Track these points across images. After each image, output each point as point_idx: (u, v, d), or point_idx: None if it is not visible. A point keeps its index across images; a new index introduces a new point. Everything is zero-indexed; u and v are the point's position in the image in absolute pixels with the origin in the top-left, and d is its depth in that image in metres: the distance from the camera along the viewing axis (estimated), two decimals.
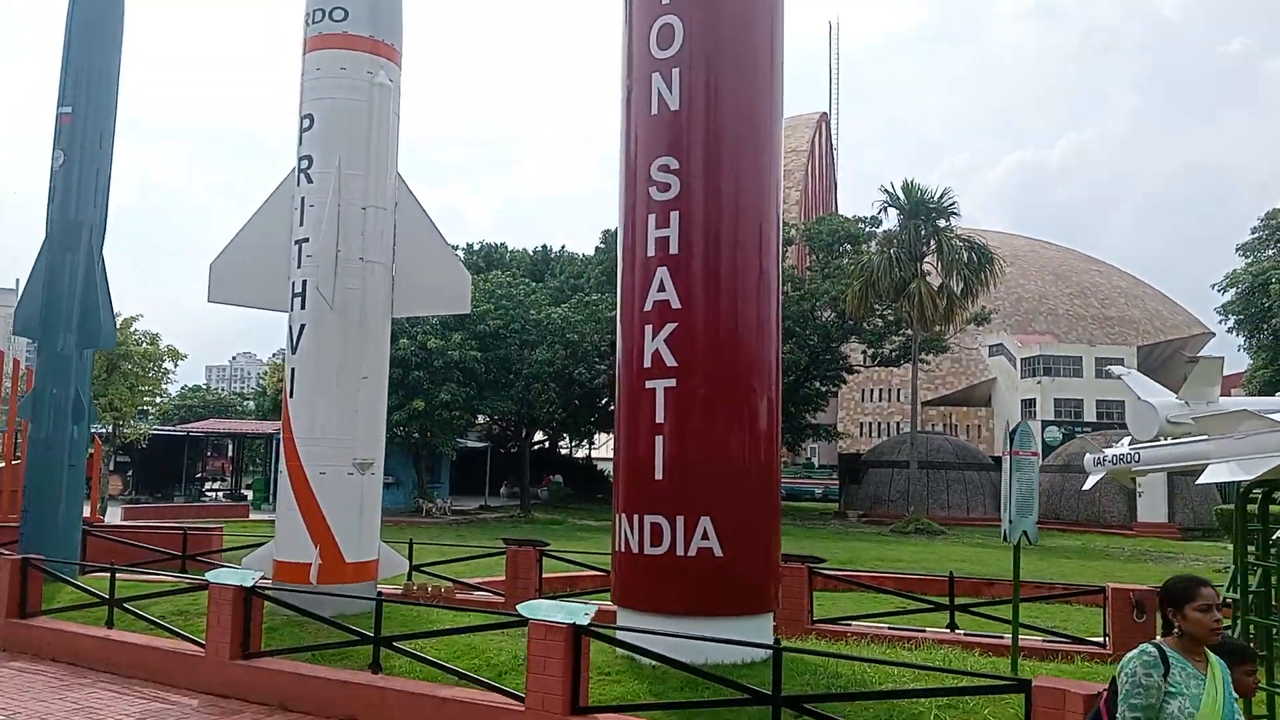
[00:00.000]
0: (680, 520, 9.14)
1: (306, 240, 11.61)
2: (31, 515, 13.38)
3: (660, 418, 9.34)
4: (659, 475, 9.30)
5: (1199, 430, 8.33)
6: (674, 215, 9.47)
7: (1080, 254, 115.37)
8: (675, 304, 9.38)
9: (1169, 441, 8.89)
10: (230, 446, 48.32)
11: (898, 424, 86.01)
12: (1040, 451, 58.75)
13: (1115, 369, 12.87)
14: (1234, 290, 46.63)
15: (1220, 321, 49.40)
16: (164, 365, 30.10)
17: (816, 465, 67.18)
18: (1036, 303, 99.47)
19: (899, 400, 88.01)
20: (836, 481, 55.50)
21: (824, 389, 46.69)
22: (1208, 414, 8.33)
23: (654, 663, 8.74)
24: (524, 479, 38.05)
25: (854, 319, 39.56)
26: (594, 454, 59.36)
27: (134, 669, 9.79)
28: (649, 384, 9.46)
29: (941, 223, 37.23)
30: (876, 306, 38.52)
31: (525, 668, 8.66)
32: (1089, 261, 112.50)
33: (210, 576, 9.61)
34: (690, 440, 9.27)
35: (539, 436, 42.44)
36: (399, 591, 13.80)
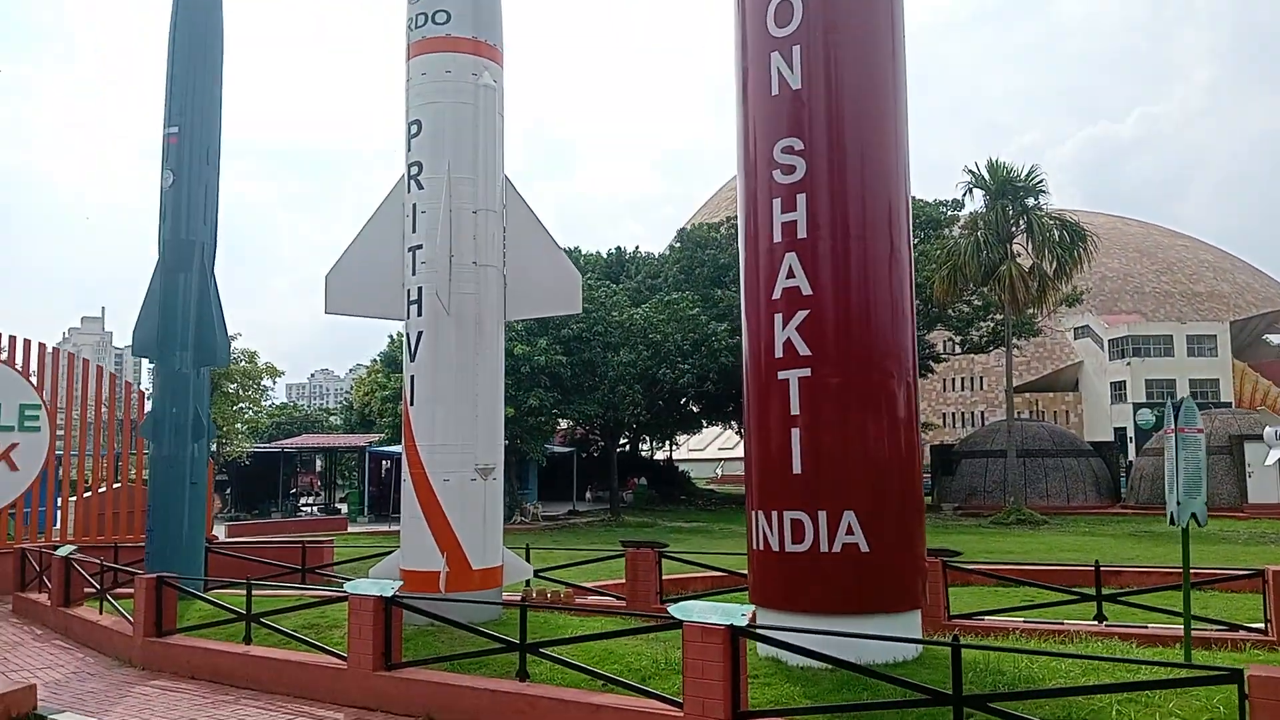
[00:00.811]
0: (823, 515, 8.82)
1: (420, 247, 11.55)
2: (157, 534, 13.57)
3: (795, 409, 9.03)
4: (797, 469, 8.98)
5: None
6: (800, 198, 9.16)
7: (1164, 229, 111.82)
8: (806, 290, 9.07)
9: None
10: (320, 461, 49.17)
11: (981, 413, 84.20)
12: (1150, 433, 56.79)
13: (1275, 337, 12.12)
14: None
15: None
16: (263, 383, 30.64)
17: None
18: (1121, 281, 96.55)
19: (982, 389, 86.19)
20: (927, 475, 54.51)
21: None
22: None
23: (802, 664, 8.46)
24: (613, 482, 37.96)
25: (940, 306, 38.66)
26: (675, 456, 59.12)
27: (275, 684, 9.77)
28: (781, 374, 9.15)
29: (1030, 201, 36.18)
30: (964, 292, 37.60)
31: (671, 672, 8.55)
32: (1173, 236, 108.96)
33: (349, 588, 9.54)
34: (828, 431, 8.94)
35: (621, 440, 42.30)
36: (517, 598, 13.67)
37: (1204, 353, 78.65)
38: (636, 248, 44.68)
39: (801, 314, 9.06)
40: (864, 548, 8.74)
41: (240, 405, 30.27)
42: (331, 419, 65.88)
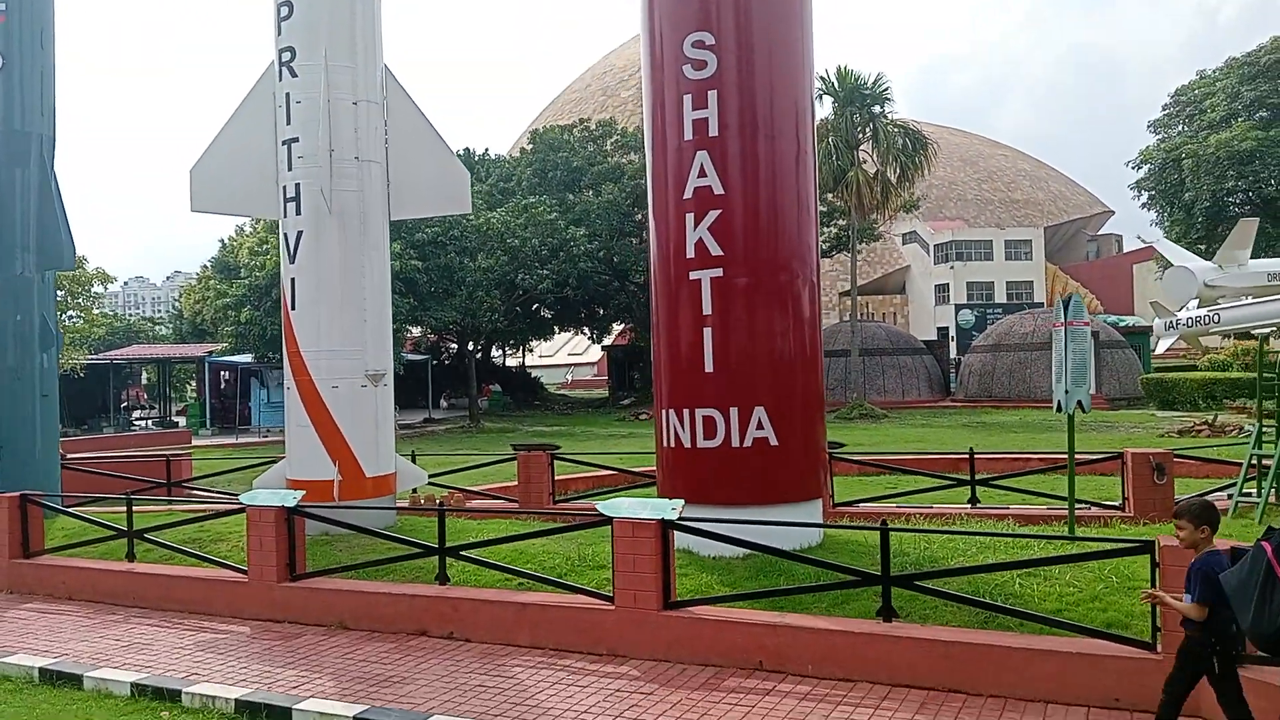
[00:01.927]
0: (734, 412, 8.99)
1: (296, 140, 10.86)
2: (6, 450, 12.55)
3: (708, 309, 9.10)
4: (709, 368, 9.09)
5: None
6: (712, 95, 9.06)
7: (986, 139, 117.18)
8: (718, 189, 9.05)
9: (1253, 301, 9.05)
10: (148, 373, 46.51)
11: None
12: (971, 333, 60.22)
13: (1147, 237, 12.97)
14: (1147, 167, 47.83)
15: (1134, 197, 50.75)
16: (93, 289, 28.39)
17: None
18: (946, 189, 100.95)
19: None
20: None
21: None
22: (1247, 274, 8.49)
23: (714, 553, 8.72)
24: (472, 389, 37.57)
25: None
26: (529, 362, 58.97)
27: (166, 601, 9.33)
28: (693, 275, 9.17)
29: (876, 109, 37.10)
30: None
31: (587, 568, 8.65)
32: (994, 146, 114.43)
33: (245, 499, 9.14)
34: (740, 330, 9.06)
35: (470, 347, 41.78)
36: (404, 504, 13.46)
37: (1020, 257, 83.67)
38: (486, 150, 43.46)
39: (713, 214, 9.05)
40: (773, 441, 8.99)
41: (69, 314, 28.02)
42: (158, 329, 62.20)
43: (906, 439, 28.02)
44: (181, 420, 39.26)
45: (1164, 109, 49.76)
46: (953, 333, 73.90)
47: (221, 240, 45.21)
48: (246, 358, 33.79)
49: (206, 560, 9.54)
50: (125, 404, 38.72)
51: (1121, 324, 49.82)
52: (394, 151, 11.41)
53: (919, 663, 6.55)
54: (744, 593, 7.57)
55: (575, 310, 45.53)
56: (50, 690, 7.26)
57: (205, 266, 49.47)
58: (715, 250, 9.04)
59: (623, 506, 7.64)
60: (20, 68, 12.50)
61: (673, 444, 9.36)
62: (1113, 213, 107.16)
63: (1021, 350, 40.16)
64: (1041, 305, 74.41)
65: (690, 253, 9.16)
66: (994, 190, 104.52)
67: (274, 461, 16.42)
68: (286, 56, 10.90)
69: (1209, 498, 11.82)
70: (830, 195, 38.38)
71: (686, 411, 9.20)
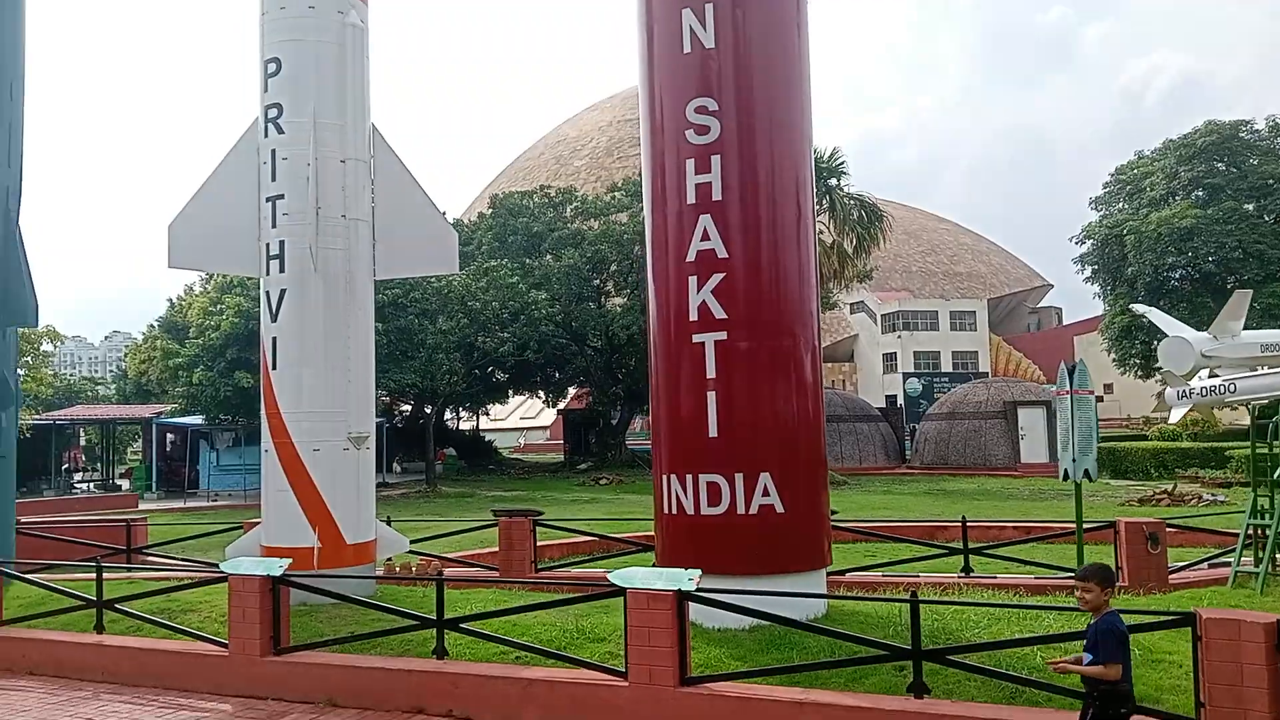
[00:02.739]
0: (739, 478, 8.80)
1: (281, 197, 10.60)
2: None
3: (711, 372, 8.95)
4: (713, 433, 8.91)
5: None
6: (715, 159, 9.03)
7: (928, 213, 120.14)
8: (721, 253, 8.97)
9: (1270, 370, 9.12)
10: (85, 435, 45.03)
11: None
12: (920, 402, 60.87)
13: (1138, 307, 13.16)
14: (1090, 242, 49.20)
15: (1078, 271, 52.13)
16: (42, 348, 27.41)
17: None
18: (892, 260, 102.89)
19: None
20: None
21: None
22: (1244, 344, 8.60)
23: (719, 625, 8.45)
24: (429, 453, 36.87)
25: None
26: (482, 425, 58.23)
27: (140, 676, 8.78)
28: (696, 338, 9.03)
29: (832, 181, 37.76)
30: None
31: (587, 641, 8.31)
32: (936, 220, 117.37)
33: (228, 568, 8.69)
34: (744, 394, 8.92)
35: (428, 410, 41.16)
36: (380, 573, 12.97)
37: (965, 327, 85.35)
38: (444, 213, 43.31)
39: (717, 277, 8.96)
40: (779, 509, 8.79)
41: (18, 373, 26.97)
42: (98, 389, 60.47)
43: (873, 506, 27.95)
44: (125, 483, 37.96)
45: (1105, 187, 51.39)
46: (901, 401, 74.84)
47: (170, 300, 44.37)
48: (196, 419, 32.88)
49: (183, 633, 9.01)
50: (66, 466, 37.34)
51: None
52: (381, 210, 11.21)
53: None
54: (765, 668, 7.30)
55: (532, 373, 45.20)
56: None
57: (152, 326, 48.41)
58: (719, 313, 8.93)
59: (636, 576, 7.37)
60: None
61: (674, 510, 9.12)
62: (1051, 286, 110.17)
63: (976, 418, 40.61)
64: (986, 375, 75.85)
65: (693, 315, 9.03)
66: (937, 263, 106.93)
67: (236, 527, 15.87)
68: (273, 113, 10.69)
69: (1207, 565, 11.88)
70: None
71: (689, 477, 8.98)
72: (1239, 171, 43.78)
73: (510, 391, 49.50)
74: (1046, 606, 8.53)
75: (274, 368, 10.57)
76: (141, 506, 28.52)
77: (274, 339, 10.60)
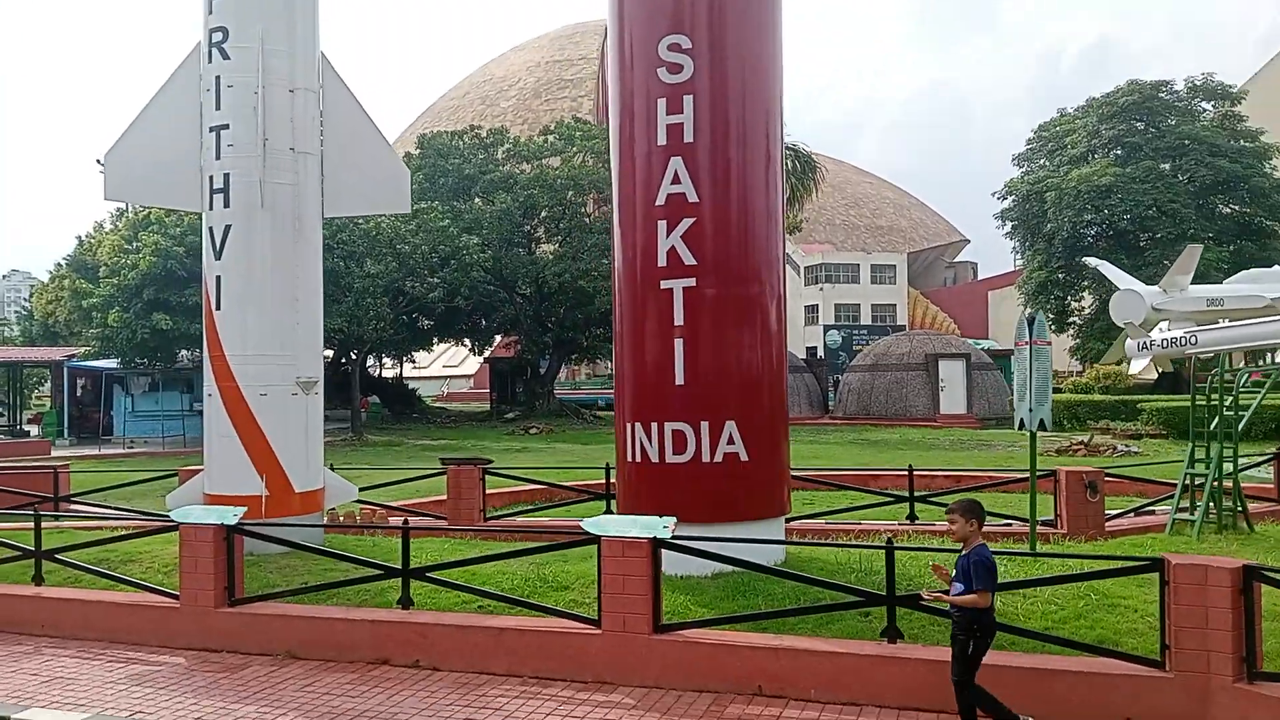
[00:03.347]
0: (705, 426, 8.74)
1: (226, 127, 10.08)
2: None
3: (680, 320, 8.82)
4: (680, 380, 8.82)
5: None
6: (688, 100, 8.82)
7: (853, 167, 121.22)
8: (692, 196, 8.81)
9: (1231, 323, 9.36)
10: (4, 378, 42.96)
11: None
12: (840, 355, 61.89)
13: (1090, 260, 13.39)
14: (1012, 198, 50.17)
15: (998, 227, 53.15)
16: None
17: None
18: (816, 213, 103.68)
19: None
20: None
21: None
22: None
23: (681, 572, 8.42)
24: (354, 401, 36.14)
25: None
26: (404, 373, 57.31)
27: (84, 629, 8.40)
28: (665, 284, 8.89)
29: None
30: None
31: (550, 590, 8.22)
32: (860, 174, 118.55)
33: (178, 516, 8.34)
34: (712, 342, 8.83)
35: (353, 356, 40.32)
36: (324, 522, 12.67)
37: (885, 280, 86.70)
38: None
39: (687, 222, 8.80)
40: (744, 457, 8.77)
41: None
42: (1, 330, 57.77)
43: (801, 455, 28.11)
44: (33, 429, 36.46)
45: (1028, 143, 52.33)
46: (821, 352, 75.99)
47: (78, 237, 42.47)
48: (110, 363, 31.60)
49: (128, 583, 8.65)
50: None
51: (980, 346, 52.00)
52: (330, 145, 10.74)
53: (929, 685, 6.41)
54: (736, 614, 7.30)
55: (459, 320, 44.55)
56: None
57: (59, 265, 46.32)
58: (689, 259, 8.78)
59: (610, 524, 7.28)
60: None
61: (639, 458, 9.02)
62: (968, 241, 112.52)
63: (898, 370, 41.38)
64: (904, 328, 77.41)
65: (662, 261, 8.87)
66: (860, 216, 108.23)
67: (164, 476, 15.33)
68: (218, 37, 10.11)
69: (1142, 512, 12.29)
70: None
71: (655, 425, 8.89)
72: (1157, 131, 44.95)
73: (435, 339, 48.76)
74: (1009, 552, 8.73)
75: (218, 308, 10.12)
76: (55, 453, 27.45)
77: (218, 277, 10.12)
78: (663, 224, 8.87)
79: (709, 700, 6.70)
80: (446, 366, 78.21)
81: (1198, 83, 45.99)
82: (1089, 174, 43.95)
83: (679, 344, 8.81)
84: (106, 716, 6.42)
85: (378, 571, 8.11)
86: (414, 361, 56.75)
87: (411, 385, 54.89)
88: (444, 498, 14.14)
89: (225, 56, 10.07)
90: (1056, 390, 42.98)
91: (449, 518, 12.48)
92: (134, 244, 30.05)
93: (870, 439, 34.06)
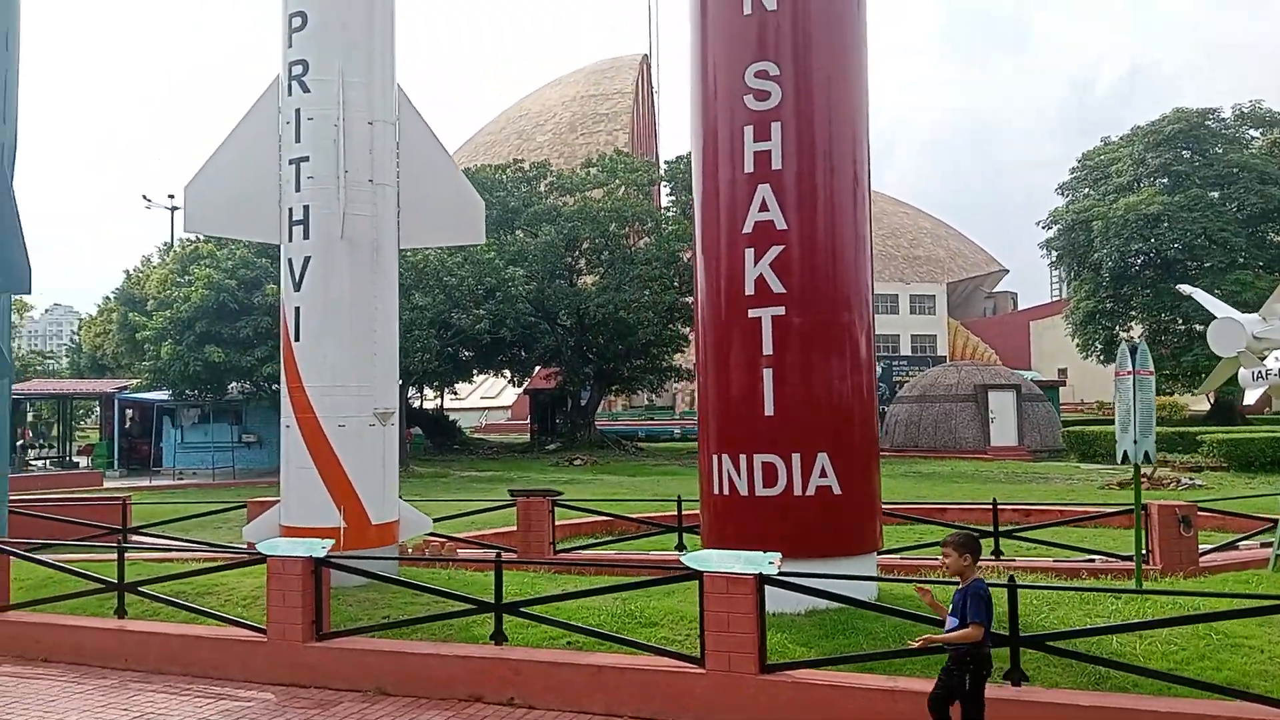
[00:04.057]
0: (796, 458, 8.54)
1: (306, 159, 10.08)
2: None
3: (768, 349, 8.65)
4: (769, 411, 8.63)
5: None
6: (775, 127, 8.71)
7: (889, 197, 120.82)
8: (780, 224, 8.66)
9: None
10: (44, 410, 43.62)
11: None
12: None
13: (1184, 288, 13.08)
14: (1057, 227, 49.68)
15: (1043, 256, 52.69)
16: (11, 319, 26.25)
17: (653, 406, 67.70)
18: None
19: None
20: (690, 422, 56.29)
21: (685, 330, 46.83)
22: None
23: (775, 610, 8.17)
24: (401, 432, 36.21)
25: None
26: (445, 404, 57.46)
27: (168, 664, 8.30)
28: (752, 313, 8.72)
29: None
30: None
31: (639, 625, 8.02)
32: (896, 204, 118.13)
33: (265, 548, 8.23)
34: (802, 371, 8.65)
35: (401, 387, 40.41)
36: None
37: (924, 311, 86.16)
38: None
39: (776, 249, 8.65)
40: (836, 490, 8.55)
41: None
42: (48, 363, 58.66)
43: None
44: (82, 460, 36.80)
45: (1071, 172, 51.91)
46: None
47: (126, 271, 43.04)
48: (161, 395, 31.88)
49: (213, 617, 8.54)
50: (21, 443, 36.08)
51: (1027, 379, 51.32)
52: (406, 176, 10.73)
53: None
54: (846, 655, 7.05)
55: (500, 352, 44.64)
56: None
57: (107, 298, 46.98)
58: (777, 288, 8.63)
59: (712, 559, 7.08)
60: None
61: (726, 491, 8.82)
62: (1007, 271, 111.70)
63: (947, 401, 40.85)
64: (944, 358, 76.71)
65: (750, 289, 8.72)
66: (897, 246, 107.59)
67: (231, 507, 15.33)
68: (297, 70, 10.15)
69: (1241, 546, 11.90)
70: None
71: (743, 457, 8.69)
72: (1204, 159, 44.41)
73: (476, 370, 48.87)
74: (1114, 590, 8.42)
75: (297, 339, 10.07)
76: (106, 484, 27.65)
77: (297, 309, 10.09)
78: (750, 252, 8.73)
79: None
80: (484, 398, 78.40)
81: (1245, 110, 45.47)
82: (1136, 203, 43.44)
83: (768, 374, 8.63)
84: None
85: (468, 606, 7.92)
86: (455, 393, 56.87)
87: (451, 417, 55.03)
88: (510, 529, 14.02)
89: (305, 90, 10.09)
90: (1109, 422, 42.39)
91: (520, 550, 12.32)
92: (185, 277, 30.39)
93: (921, 471, 33.58)
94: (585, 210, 38.48)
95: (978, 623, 5.45)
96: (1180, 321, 45.26)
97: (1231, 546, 12.23)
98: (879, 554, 11.90)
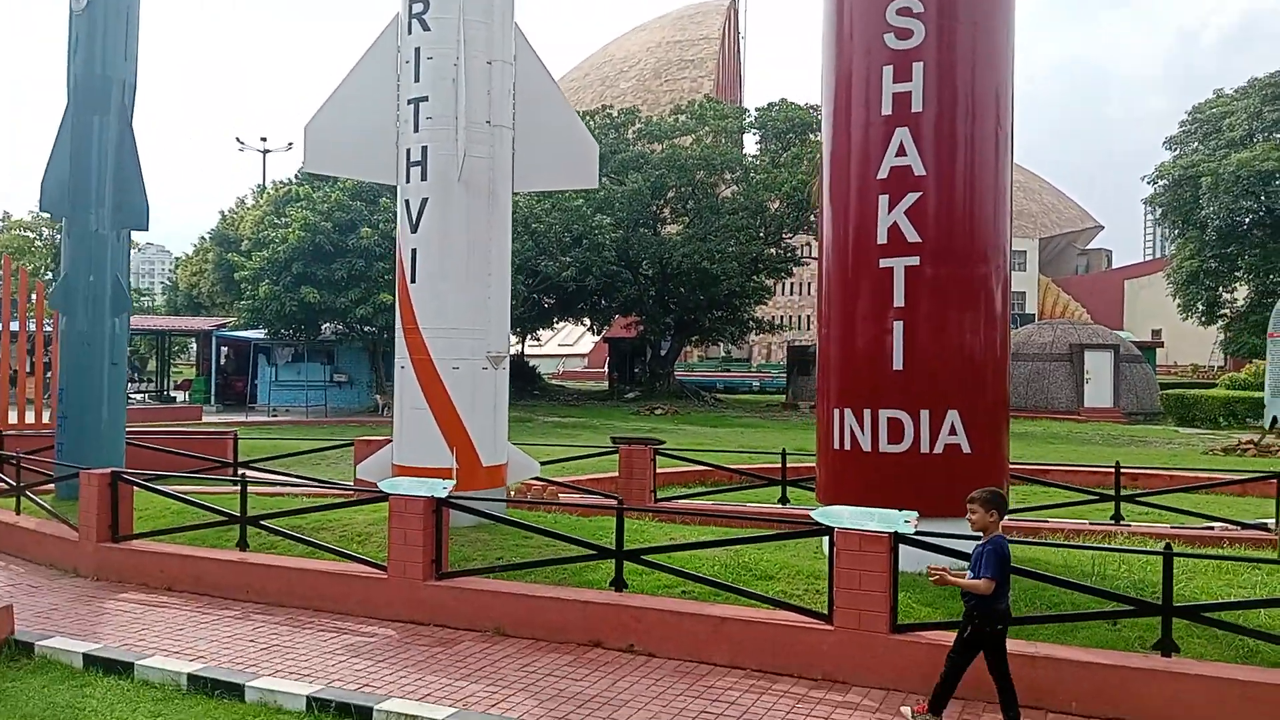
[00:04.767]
0: (925, 415, 8.27)
1: (425, 99, 9.98)
2: (72, 421, 11.59)
3: (900, 301, 8.35)
4: (898, 365, 8.35)
5: None
6: (917, 67, 8.31)
7: None
8: (919, 170, 8.31)
9: None
10: (140, 345, 45.05)
11: (807, 317, 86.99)
12: None
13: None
14: (1163, 182, 47.63)
15: (1147, 213, 50.73)
16: None
17: (730, 357, 67.36)
18: None
19: (809, 294, 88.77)
20: (769, 375, 55.88)
21: (769, 282, 46.26)
22: None
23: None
24: None
25: (818, 209, 38.95)
26: (526, 350, 57.90)
27: (288, 597, 8.44)
28: (884, 262, 8.42)
29: None
30: None
31: (757, 579, 7.89)
32: None
33: (386, 487, 8.29)
34: (934, 325, 8.34)
35: None
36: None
37: (1016, 267, 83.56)
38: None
39: (913, 196, 8.31)
40: (966, 449, 8.28)
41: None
42: (143, 300, 60.57)
43: None
44: (179, 395, 37.99)
45: (1180, 125, 49.57)
46: None
47: (222, 212, 43.98)
48: (257, 333, 32.64)
49: (336, 553, 8.65)
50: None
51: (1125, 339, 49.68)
52: (521, 118, 10.56)
53: (1207, 704, 5.85)
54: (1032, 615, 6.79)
55: (581, 299, 44.70)
56: (207, 701, 6.37)
57: (203, 238, 48.15)
58: (912, 237, 8.29)
59: (844, 515, 6.89)
60: (104, 7, 11.50)
61: (848, 446, 8.60)
62: (1102, 227, 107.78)
63: (1040, 360, 39.73)
64: (1033, 317, 74.65)
65: (882, 238, 8.40)
66: None
67: (337, 445, 15.61)
68: (418, 8, 10.01)
69: None
70: None
71: (867, 412, 8.45)
72: None
73: (556, 317, 49.04)
74: (1260, 560, 8.04)
75: (413, 281, 10.06)
76: (204, 418, 28.47)
77: (414, 250, 10.06)
78: (884, 199, 8.40)
79: (958, 707, 6.27)
80: (562, 345, 78.85)
81: None
82: (1249, 158, 41.32)
83: (898, 326, 8.34)
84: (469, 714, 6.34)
85: (588, 551, 7.87)
86: (537, 339, 57.23)
87: (531, 363, 55.47)
88: (605, 475, 14.03)
89: (425, 28, 9.96)
90: (1209, 385, 40.85)
91: (621, 497, 12.28)
92: (281, 219, 30.86)
93: (1014, 431, 32.63)
94: (673, 158, 37.98)
95: (989, 577, 5.62)
96: None
97: None
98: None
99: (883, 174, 8.40)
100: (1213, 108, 47.59)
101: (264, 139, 50.82)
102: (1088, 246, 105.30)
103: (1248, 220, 44.52)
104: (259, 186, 46.09)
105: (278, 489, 12.31)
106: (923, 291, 8.30)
